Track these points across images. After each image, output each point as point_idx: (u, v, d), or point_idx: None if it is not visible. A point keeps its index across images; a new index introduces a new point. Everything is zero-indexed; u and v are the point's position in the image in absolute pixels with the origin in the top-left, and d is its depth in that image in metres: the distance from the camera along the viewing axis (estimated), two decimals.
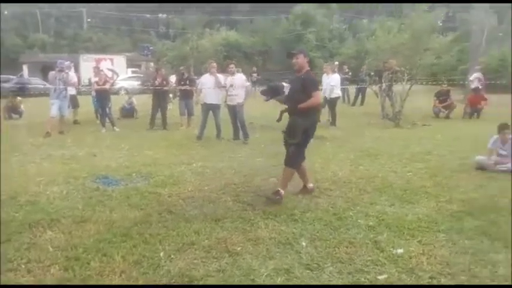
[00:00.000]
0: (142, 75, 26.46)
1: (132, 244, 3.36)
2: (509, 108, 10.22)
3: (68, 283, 2.80)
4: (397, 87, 11.95)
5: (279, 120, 4.70)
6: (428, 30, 13.28)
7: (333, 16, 42.07)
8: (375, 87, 13.64)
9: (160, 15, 51.26)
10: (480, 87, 13.89)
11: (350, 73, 20.18)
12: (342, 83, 13.74)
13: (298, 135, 4.47)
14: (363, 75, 18.06)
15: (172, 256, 3.17)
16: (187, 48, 34.16)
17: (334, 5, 43.39)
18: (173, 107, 12.71)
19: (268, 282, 2.77)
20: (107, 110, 10.36)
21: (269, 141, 8.37)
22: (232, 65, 9.03)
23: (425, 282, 2.68)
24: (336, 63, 18.08)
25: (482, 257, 3.01)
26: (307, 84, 4.49)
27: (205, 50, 33.53)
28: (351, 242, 3.35)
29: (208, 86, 9.05)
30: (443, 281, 2.68)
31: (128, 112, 13.16)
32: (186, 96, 10.85)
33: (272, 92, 4.66)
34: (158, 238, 3.49)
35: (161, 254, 3.20)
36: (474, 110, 12.74)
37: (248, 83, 9.75)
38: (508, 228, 3.52)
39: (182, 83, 10.89)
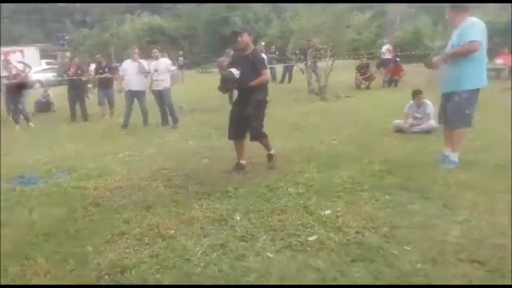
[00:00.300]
0: (58, 66, 24.71)
1: (56, 243, 3.16)
2: (423, 76, 11.00)
3: None
4: (322, 64, 12.35)
5: (231, 101, 4.72)
6: (348, 9, 13.87)
7: None
8: (301, 65, 14.00)
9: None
10: (391, 57, 14.85)
11: (277, 52, 20.45)
12: (269, 62, 13.92)
13: (262, 110, 4.66)
14: (289, 54, 18.40)
15: (101, 249, 3.02)
16: (107, 35, 32.49)
17: None
18: (94, 97, 12.08)
19: (203, 259, 2.74)
20: (20, 105, 9.58)
21: (200, 124, 8.30)
22: (155, 50, 8.74)
23: (351, 237, 2.83)
24: (262, 43, 18.22)
25: (401, 209, 3.23)
26: (257, 63, 4.52)
27: (127, 36, 32.07)
28: (282, 210, 3.42)
29: (131, 72, 8.71)
30: (368, 235, 2.85)
31: (43, 106, 12.29)
32: (105, 85, 10.33)
33: (227, 83, 4.51)
34: (85, 233, 3.31)
35: (89, 248, 3.04)
36: (392, 79, 13.55)
37: (174, 67, 9.51)
38: (422, 181, 3.81)
39: (100, 71, 10.32)
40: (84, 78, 10.41)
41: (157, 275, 2.61)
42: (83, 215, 3.71)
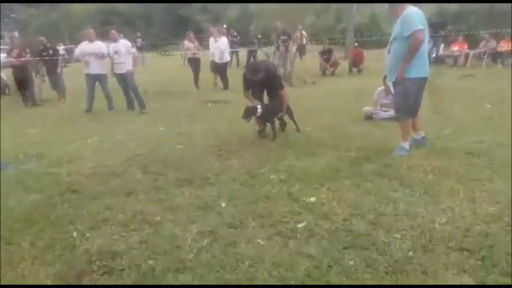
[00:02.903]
0: (7, 47, 23.07)
1: (39, 228, 3.09)
2: (383, 63, 11.27)
3: None
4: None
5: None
6: None
7: None
8: (265, 50, 13.98)
9: None
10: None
11: (238, 36, 20.25)
12: (231, 46, 13.80)
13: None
14: (252, 38, 18.29)
15: (87, 235, 2.98)
16: (55, 15, 30.80)
17: None
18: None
19: (194, 245, 2.75)
20: None
21: (169, 109, 8.13)
22: (113, 31, 8.47)
23: (339, 224, 2.90)
24: (225, 26, 17.97)
25: (383, 196, 3.31)
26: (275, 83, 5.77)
27: (76, 16, 30.52)
28: (267, 197, 3.46)
29: (89, 55, 8.34)
30: (355, 222, 2.91)
31: None
32: (50, 69, 10.36)
33: (250, 115, 5.48)
34: (67, 219, 3.25)
35: (74, 234, 2.99)
36: (354, 65, 13.79)
37: (134, 49, 9.20)
38: (399, 168, 3.94)
39: (44, 54, 10.17)
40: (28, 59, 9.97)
41: (150, 261, 2.60)
42: (61, 201, 3.63)
